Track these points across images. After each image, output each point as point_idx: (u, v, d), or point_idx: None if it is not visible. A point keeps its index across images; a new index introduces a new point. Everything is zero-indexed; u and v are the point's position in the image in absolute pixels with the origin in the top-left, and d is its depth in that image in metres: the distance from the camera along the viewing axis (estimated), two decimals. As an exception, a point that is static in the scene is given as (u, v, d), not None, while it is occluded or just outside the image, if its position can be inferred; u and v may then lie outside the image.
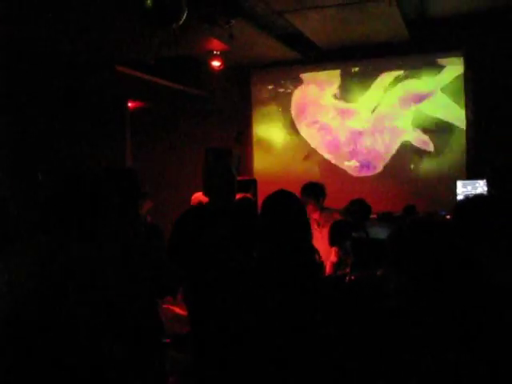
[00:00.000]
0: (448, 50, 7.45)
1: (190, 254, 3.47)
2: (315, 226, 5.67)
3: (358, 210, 5.38)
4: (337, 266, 5.34)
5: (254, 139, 8.62)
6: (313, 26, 6.51)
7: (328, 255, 5.44)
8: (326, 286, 3.98)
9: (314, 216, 5.70)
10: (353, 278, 4.08)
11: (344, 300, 3.69)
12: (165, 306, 6.54)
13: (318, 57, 7.82)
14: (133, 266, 2.76)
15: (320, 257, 5.20)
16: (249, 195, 6.60)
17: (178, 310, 6.12)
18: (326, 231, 5.62)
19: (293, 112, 8.42)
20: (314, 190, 5.68)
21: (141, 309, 2.72)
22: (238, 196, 6.64)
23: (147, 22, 3.97)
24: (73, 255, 2.21)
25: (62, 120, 8.38)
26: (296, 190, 5.73)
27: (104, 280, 2.30)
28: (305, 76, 8.29)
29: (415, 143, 7.75)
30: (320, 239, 5.58)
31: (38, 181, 5.86)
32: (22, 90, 7.73)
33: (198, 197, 6.24)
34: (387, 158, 7.91)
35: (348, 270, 4.69)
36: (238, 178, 7.35)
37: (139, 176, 3.10)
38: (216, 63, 6.72)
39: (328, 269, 5.34)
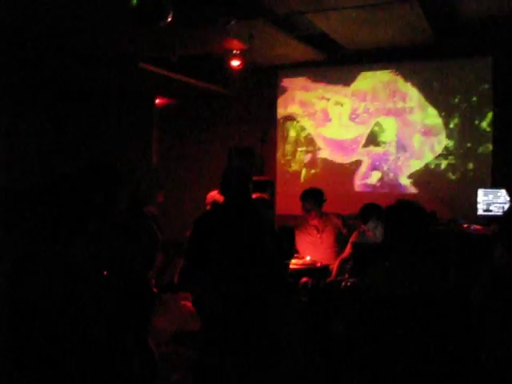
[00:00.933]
0: (476, 53, 7.28)
1: (209, 254, 3.50)
2: (314, 232, 5.64)
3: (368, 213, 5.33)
4: (345, 261, 5.33)
5: (278, 139, 8.60)
6: (334, 26, 6.46)
7: (329, 260, 5.42)
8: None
9: (314, 222, 5.67)
10: (349, 283, 4.08)
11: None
12: (181, 302, 6.61)
13: (342, 58, 7.75)
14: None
15: (319, 262, 5.22)
16: (265, 195, 6.61)
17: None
18: (325, 236, 5.60)
19: (314, 115, 8.37)
20: (316, 196, 5.66)
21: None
22: (255, 196, 6.67)
23: (133, 20, 4.03)
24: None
25: (89, 118, 8.56)
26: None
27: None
28: (329, 77, 8.23)
29: (439, 150, 7.60)
30: (320, 244, 5.57)
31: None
32: (48, 89, 7.94)
33: (213, 195, 6.28)
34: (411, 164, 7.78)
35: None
36: (256, 178, 7.38)
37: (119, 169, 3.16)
38: (235, 62, 6.74)
39: (335, 267, 5.34)
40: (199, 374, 3.60)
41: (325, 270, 5.27)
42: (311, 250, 5.51)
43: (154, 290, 4.84)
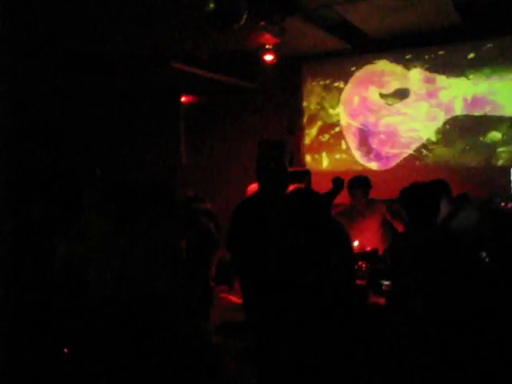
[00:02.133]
0: (503, 35, 7.32)
1: (249, 244, 3.50)
2: (361, 218, 5.77)
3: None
4: None
5: (306, 130, 8.69)
6: (362, 16, 6.54)
7: (376, 245, 5.56)
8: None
9: (361, 208, 5.81)
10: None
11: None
12: (221, 295, 6.71)
13: (367, 46, 7.82)
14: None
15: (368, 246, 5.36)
16: (302, 186, 6.70)
17: (234, 299, 6.27)
18: (371, 222, 5.74)
19: (342, 104, 8.44)
20: (362, 183, 5.81)
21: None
22: (292, 187, 6.76)
23: (209, 24, 4.10)
24: None
25: (119, 116, 8.66)
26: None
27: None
28: (356, 67, 8.30)
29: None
30: (365, 230, 5.70)
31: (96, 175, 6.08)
32: (77, 87, 8.02)
33: (253, 189, 6.37)
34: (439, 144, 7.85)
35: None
36: (292, 169, 7.45)
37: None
38: (268, 57, 6.83)
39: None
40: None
41: (375, 253, 5.40)
42: (358, 236, 5.63)
43: (211, 284, 4.97)
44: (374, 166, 8.23)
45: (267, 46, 6.56)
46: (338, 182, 5.20)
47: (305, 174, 7.09)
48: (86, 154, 8.06)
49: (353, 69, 8.32)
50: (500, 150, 7.48)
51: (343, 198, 5.80)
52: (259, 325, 3.52)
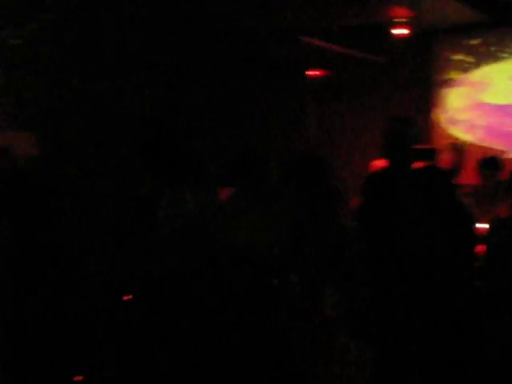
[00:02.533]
0: None
1: (378, 219, 3.43)
2: (487, 201, 5.54)
3: None
4: None
5: (436, 107, 8.40)
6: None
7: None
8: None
9: (489, 190, 5.57)
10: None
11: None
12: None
13: (505, 18, 7.36)
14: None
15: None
16: (432, 163, 6.52)
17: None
18: (499, 207, 5.50)
19: (476, 81, 8.05)
20: (494, 164, 5.53)
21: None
22: (420, 164, 6.60)
23: None
24: None
25: (247, 91, 8.83)
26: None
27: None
28: (490, 41, 7.85)
29: None
30: (494, 210, 5.47)
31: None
32: (205, 63, 8.24)
33: (377, 164, 6.30)
34: None
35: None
36: (419, 146, 7.28)
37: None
38: (400, 31, 6.65)
39: None
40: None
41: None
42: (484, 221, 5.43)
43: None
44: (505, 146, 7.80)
45: (399, 20, 6.38)
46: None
47: (432, 152, 6.90)
48: (211, 130, 8.31)
49: (488, 43, 7.87)
50: None
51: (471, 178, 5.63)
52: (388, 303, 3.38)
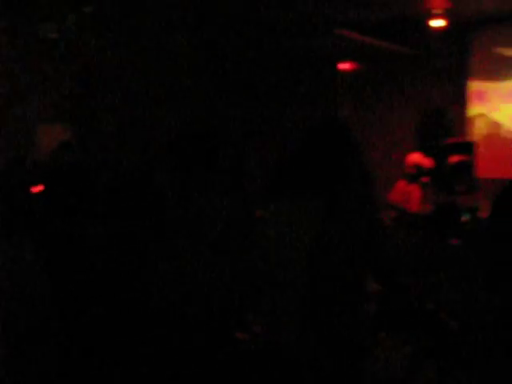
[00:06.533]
0: None
1: None
2: None
3: None
4: None
5: (472, 100, 8.27)
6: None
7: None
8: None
9: None
10: None
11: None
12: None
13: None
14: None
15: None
16: (467, 158, 6.47)
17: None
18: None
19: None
20: None
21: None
22: (456, 159, 6.55)
23: None
24: None
25: (279, 82, 8.83)
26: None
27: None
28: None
29: None
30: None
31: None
32: (233, 53, 8.24)
33: (415, 158, 6.27)
34: None
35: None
36: (455, 140, 7.22)
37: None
38: (437, 22, 6.57)
39: None
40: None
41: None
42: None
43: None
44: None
45: (436, 11, 6.30)
46: None
47: (467, 146, 6.84)
48: (242, 121, 8.31)
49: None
50: None
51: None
52: None
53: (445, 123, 7.75)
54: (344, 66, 8.95)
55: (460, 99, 8.26)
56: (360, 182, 2.49)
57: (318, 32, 7.17)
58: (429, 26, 6.77)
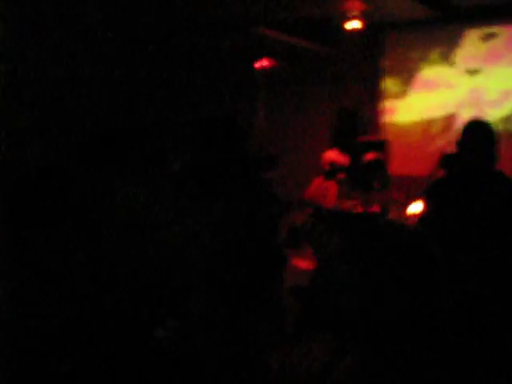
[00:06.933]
0: None
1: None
2: None
3: None
4: None
5: (385, 99, 8.59)
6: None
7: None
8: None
9: None
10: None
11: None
12: (293, 262, 6.85)
13: (455, 17, 7.60)
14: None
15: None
16: (381, 155, 6.68)
17: (301, 264, 6.39)
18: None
19: (424, 76, 8.28)
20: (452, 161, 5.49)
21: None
22: (369, 156, 6.74)
23: None
24: None
25: (198, 79, 8.78)
26: (424, 153, 5.76)
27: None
28: (440, 38, 8.09)
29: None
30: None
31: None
32: (154, 50, 8.13)
33: (331, 156, 6.42)
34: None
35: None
36: (369, 138, 7.45)
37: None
38: (353, 24, 6.76)
39: None
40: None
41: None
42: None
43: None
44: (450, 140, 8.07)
45: (353, 13, 6.48)
46: None
47: (381, 144, 7.09)
48: (158, 118, 8.20)
49: (438, 40, 8.11)
50: None
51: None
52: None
53: (359, 122, 7.99)
54: (263, 63, 9.02)
55: (374, 99, 8.55)
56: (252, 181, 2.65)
57: (237, 30, 7.20)
58: (345, 27, 6.93)
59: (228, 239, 2.29)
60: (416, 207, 5.53)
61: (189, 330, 2.30)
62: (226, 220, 2.29)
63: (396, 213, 5.58)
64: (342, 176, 6.32)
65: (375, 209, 5.40)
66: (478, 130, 3.17)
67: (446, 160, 5.32)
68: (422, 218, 3.54)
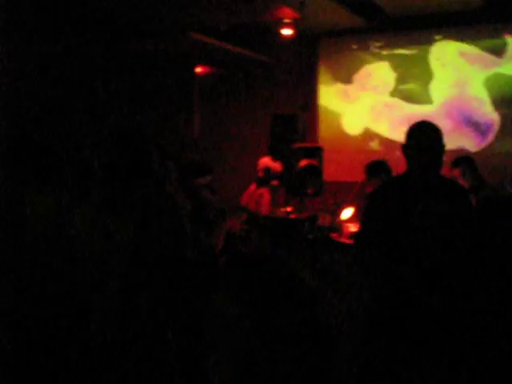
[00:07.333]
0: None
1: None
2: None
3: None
4: None
5: (320, 107, 8.69)
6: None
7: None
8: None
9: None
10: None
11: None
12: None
13: (387, 25, 7.77)
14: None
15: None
16: (315, 162, 6.75)
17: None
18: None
19: (357, 83, 8.42)
20: (380, 169, 5.37)
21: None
22: (305, 163, 6.80)
23: None
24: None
25: (132, 85, 8.66)
26: (358, 160, 5.83)
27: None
28: (372, 46, 8.26)
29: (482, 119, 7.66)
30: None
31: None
32: (90, 54, 7.99)
33: (266, 161, 6.44)
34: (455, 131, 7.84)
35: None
36: (305, 145, 7.49)
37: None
38: (286, 31, 6.82)
39: None
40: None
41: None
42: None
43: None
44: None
45: (286, 21, 6.53)
46: None
47: (317, 150, 7.14)
48: (94, 125, 8.04)
49: (371, 48, 8.27)
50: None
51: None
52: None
53: (296, 129, 8.04)
54: (200, 69, 8.99)
55: (311, 106, 8.64)
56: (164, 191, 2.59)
57: (170, 35, 7.14)
58: (280, 35, 6.99)
59: (141, 250, 2.25)
60: (347, 213, 5.60)
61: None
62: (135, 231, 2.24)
63: (328, 219, 5.63)
64: (275, 183, 6.36)
65: (305, 215, 5.44)
66: (429, 130, 3.01)
67: (372, 168, 5.40)
68: (358, 234, 3.33)
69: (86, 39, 7.03)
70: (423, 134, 2.97)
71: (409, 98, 8.03)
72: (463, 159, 5.36)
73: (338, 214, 5.56)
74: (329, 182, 7.20)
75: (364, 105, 8.38)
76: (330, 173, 7.47)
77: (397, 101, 8.13)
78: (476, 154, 7.02)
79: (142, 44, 7.31)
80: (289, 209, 6.02)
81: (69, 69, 7.69)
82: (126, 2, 6.26)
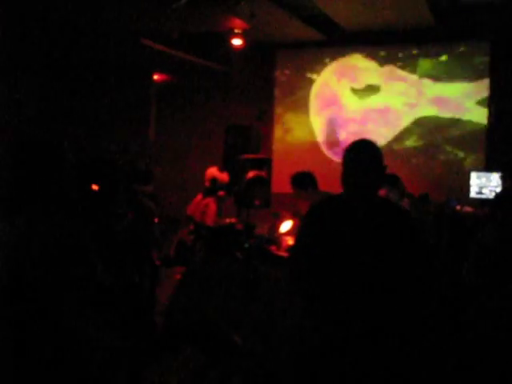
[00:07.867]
0: (474, 38, 7.36)
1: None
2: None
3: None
4: None
5: (275, 118, 8.69)
6: (336, 7, 6.52)
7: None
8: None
9: (304, 209, 5.45)
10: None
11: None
12: (177, 276, 6.73)
13: (341, 39, 7.82)
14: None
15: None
16: (263, 173, 6.69)
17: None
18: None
19: (313, 95, 8.45)
20: (307, 181, 5.24)
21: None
22: (252, 174, 6.74)
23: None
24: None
25: (88, 92, 8.57)
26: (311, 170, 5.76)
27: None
28: (329, 59, 8.30)
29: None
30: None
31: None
32: (44, 62, 7.90)
33: (213, 172, 6.37)
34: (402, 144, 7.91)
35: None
36: (252, 156, 7.44)
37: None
38: (237, 41, 6.80)
39: None
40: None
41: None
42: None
43: (157, 263, 4.99)
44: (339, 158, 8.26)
45: (236, 31, 6.51)
46: None
47: (265, 162, 7.09)
48: (53, 130, 7.95)
49: (326, 60, 8.31)
50: (461, 153, 7.57)
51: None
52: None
53: (249, 139, 7.99)
54: (157, 77, 8.92)
55: (265, 116, 8.63)
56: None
57: (122, 42, 7.08)
58: (232, 44, 6.97)
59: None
60: (287, 226, 5.55)
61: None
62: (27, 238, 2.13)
63: (266, 229, 5.58)
64: (221, 193, 6.29)
65: (239, 226, 5.38)
66: (364, 150, 2.79)
67: (298, 180, 5.30)
68: (294, 246, 3.22)
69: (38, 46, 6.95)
70: (355, 161, 2.76)
71: (365, 109, 8.09)
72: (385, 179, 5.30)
73: (277, 226, 5.50)
74: (278, 194, 7.16)
75: (319, 117, 8.41)
76: (279, 184, 7.43)
77: (352, 113, 8.17)
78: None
79: (92, 51, 7.23)
80: (233, 220, 5.95)
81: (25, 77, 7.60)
82: (76, 7, 6.18)
